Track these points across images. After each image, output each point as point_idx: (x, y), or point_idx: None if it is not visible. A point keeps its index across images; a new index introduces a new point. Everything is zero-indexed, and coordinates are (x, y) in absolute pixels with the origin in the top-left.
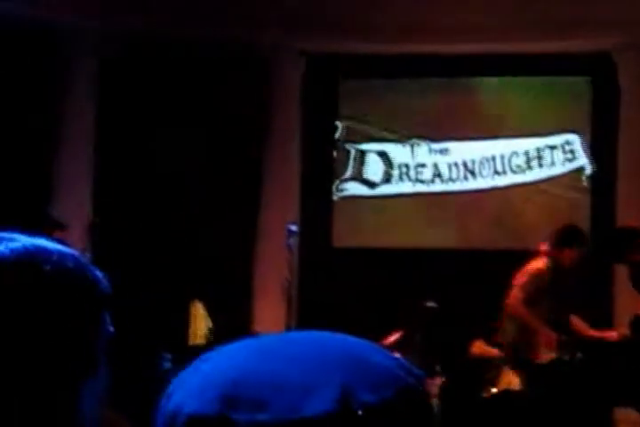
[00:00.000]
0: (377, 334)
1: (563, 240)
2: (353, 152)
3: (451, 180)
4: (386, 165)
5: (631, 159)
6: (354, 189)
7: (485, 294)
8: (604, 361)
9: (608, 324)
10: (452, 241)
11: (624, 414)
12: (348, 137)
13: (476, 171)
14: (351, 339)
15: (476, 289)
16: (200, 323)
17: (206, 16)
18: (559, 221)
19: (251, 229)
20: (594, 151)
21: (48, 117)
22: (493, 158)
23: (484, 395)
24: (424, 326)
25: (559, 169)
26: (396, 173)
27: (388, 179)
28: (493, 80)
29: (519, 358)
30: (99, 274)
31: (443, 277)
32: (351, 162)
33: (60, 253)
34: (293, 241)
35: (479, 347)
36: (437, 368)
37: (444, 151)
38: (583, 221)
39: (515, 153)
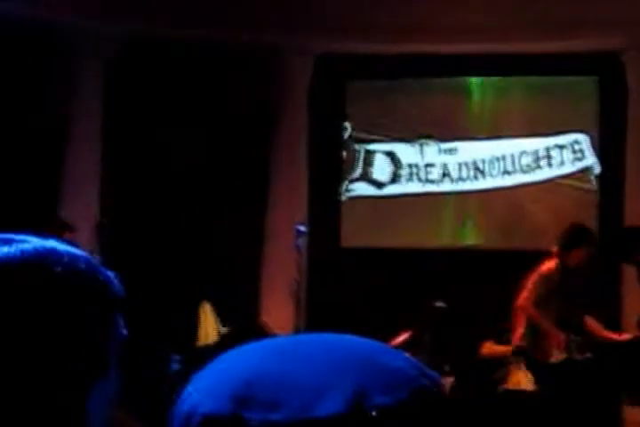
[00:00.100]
0: (385, 334)
1: (571, 241)
2: (361, 152)
3: (460, 179)
4: (394, 165)
5: (639, 158)
6: (362, 189)
7: (494, 294)
8: (613, 361)
9: (615, 323)
10: (461, 241)
11: (633, 415)
12: (356, 137)
13: (485, 170)
14: (365, 341)
15: (485, 289)
16: (209, 324)
17: (214, 17)
18: (567, 221)
19: (259, 229)
20: (602, 151)
21: (55, 119)
22: (502, 158)
23: (494, 395)
24: (433, 326)
25: (568, 168)
26: (404, 172)
27: (396, 179)
28: (502, 80)
29: (530, 358)
30: (111, 276)
31: (451, 276)
32: (359, 162)
33: (72, 255)
34: (301, 241)
35: (489, 347)
36: (446, 368)
37: (452, 151)
38: (591, 220)
39: (524, 153)
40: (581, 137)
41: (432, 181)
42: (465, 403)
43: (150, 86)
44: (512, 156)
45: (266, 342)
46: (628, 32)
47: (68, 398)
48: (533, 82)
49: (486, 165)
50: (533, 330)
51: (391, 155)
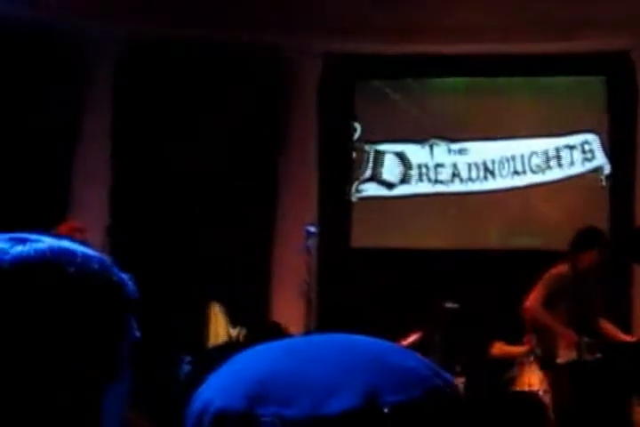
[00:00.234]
0: (396, 335)
1: (582, 243)
2: (371, 153)
3: (470, 180)
4: (404, 165)
5: None
6: (372, 189)
7: (504, 294)
8: (624, 362)
9: (626, 324)
10: (471, 241)
11: None
12: (366, 138)
13: (496, 171)
14: (377, 341)
15: (495, 289)
16: (219, 325)
17: (223, 18)
18: (578, 221)
19: (269, 230)
20: (612, 151)
21: (64, 121)
22: (512, 158)
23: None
24: (443, 326)
25: (578, 169)
26: (414, 173)
27: (406, 179)
28: (512, 80)
29: (539, 358)
30: (125, 277)
31: (462, 277)
32: (369, 163)
33: (85, 256)
34: (312, 242)
35: (499, 348)
36: (457, 369)
37: (462, 151)
38: (601, 220)
39: (534, 153)
40: (591, 137)
41: (442, 182)
42: (476, 403)
43: (159, 88)
44: (522, 156)
45: (278, 343)
46: (637, 31)
47: (83, 399)
48: (543, 82)
49: (496, 166)
50: (542, 331)
51: (401, 155)
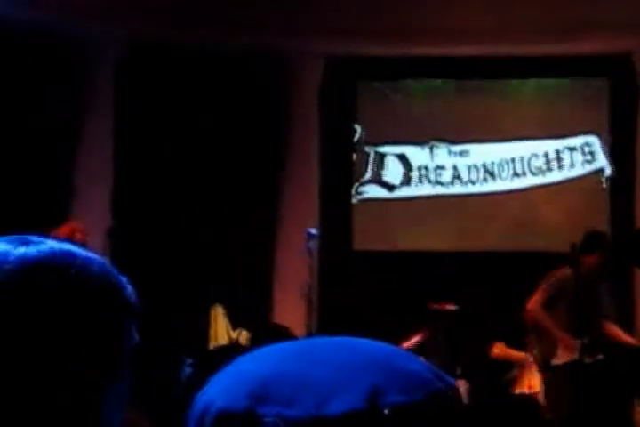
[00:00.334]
0: (397, 337)
1: (584, 246)
2: (372, 155)
3: (470, 182)
4: (405, 167)
5: None
6: (373, 191)
7: (504, 296)
8: (625, 364)
9: (629, 326)
10: (472, 243)
11: None
12: (367, 140)
13: (496, 173)
14: (380, 344)
15: (496, 291)
16: (221, 327)
17: (223, 19)
18: (579, 223)
19: (270, 232)
20: (613, 153)
21: (67, 121)
22: (513, 160)
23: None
24: (444, 328)
25: (579, 171)
26: (415, 175)
27: (407, 181)
28: (513, 82)
29: (538, 359)
30: (124, 280)
31: (462, 279)
32: (370, 165)
33: (86, 258)
34: (313, 244)
35: (500, 349)
36: (458, 371)
37: (463, 153)
38: (603, 222)
39: (534, 155)
40: (592, 139)
41: (442, 184)
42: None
43: (160, 89)
44: (522, 158)
45: (281, 345)
46: (639, 33)
47: (83, 399)
48: (544, 84)
49: (496, 168)
50: (541, 332)
51: (402, 157)
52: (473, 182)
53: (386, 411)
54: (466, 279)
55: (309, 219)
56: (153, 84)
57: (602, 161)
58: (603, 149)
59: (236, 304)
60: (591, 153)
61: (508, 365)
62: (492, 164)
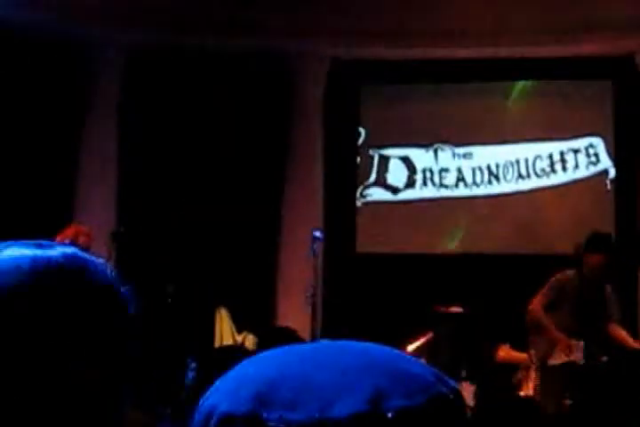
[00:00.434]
0: (402, 340)
1: (586, 246)
2: (376, 158)
3: (474, 184)
4: (409, 170)
5: None
6: (377, 194)
7: (509, 298)
8: (630, 366)
9: (633, 329)
10: (477, 246)
11: None
12: (371, 142)
13: (500, 175)
14: (384, 348)
15: (501, 294)
16: (225, 330)
17: (227, 23)
18: (583, 225)
19: (275, 235)
20: (617, 154)
21: (71, 125)
22: (517, 162)
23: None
24: (449, 331)
25: (583, 172)
26: (419, 177)
27: (411, 184)
28: (516, 84)
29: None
30: (125, 288)
31: (467, 281)
32: (374, 167)
33: (93, 262)
34: (317, 247)
35: (505, 351)
36: (463, 373)
37: (467, 156)
38: (607, 224)
39: (538, 157)
40: (596, 141)
41: (446, 186)
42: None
43: (162, 91)
44: (526, 160)
45: (285, 349)
46: None
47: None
48: (547, 86)
49: (501, 170)
50: (541, 333)
51: (406, 160)
52: (477, 185)
53: (389, 414)
54: (471, 282)
55: (314, 221)
56: (154, 86)
57: (606, 162)
58: (607, 151)
59: (240, 307)
60: (595, 155)
61: (513, 367)
62: (497, 166)
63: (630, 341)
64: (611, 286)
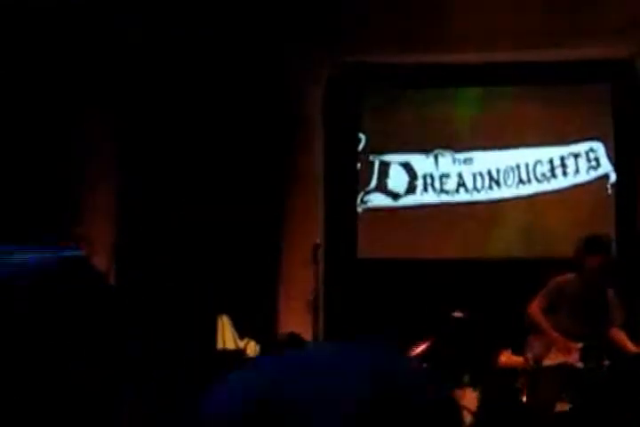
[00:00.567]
0: (404, 345)
1: (587, 248)
2: (376, 163)
3: (475, 189)
4: (410, 175)
5: None
6: (378, 200)
7: (511, 303)
8: (631, 370)
9: (636, 333)
10: (477, 251)
11: None
12: (372, 148)
13: (501, 180)
14: (383, 352)
15: (503, 299)
16: (228, 337)
17: (227, 26)
18: (584, 229)
19: (276, 241)
20: (617, 158)
21: (71, 135)
22: (518, 167)
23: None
24: (451, 336)
25: (583, 177)
26: (419, 183)
27: (412, 190)
28: (515, 89)
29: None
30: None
31: (469, 287)
32: (375, 173)
33: (93, 266)
34: (318, 253)
35: (507, 356)
36: (465, 379)
37: (467, 161)
38: (608, 229)
39: (539, 161)
40: (596, 145)
41: (447, 192)
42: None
43: (163, 96)
44: (527, 165)
45: (285, 354)
46: None
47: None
48: (547, 90)
49: (501, 175)
50: (539, 335)
51: (406, 165)
52: (478, 190)
53: (389, 418)
54: (472, 287)
55: (314, 228)
56: (154, 86)
57: (606, 167)
58: (607, 155)
59: (243, 314)
60: (596, 159)
61: (516, 373)
62: (497, 171)
63: (630, 345)
64: (613, 290)
